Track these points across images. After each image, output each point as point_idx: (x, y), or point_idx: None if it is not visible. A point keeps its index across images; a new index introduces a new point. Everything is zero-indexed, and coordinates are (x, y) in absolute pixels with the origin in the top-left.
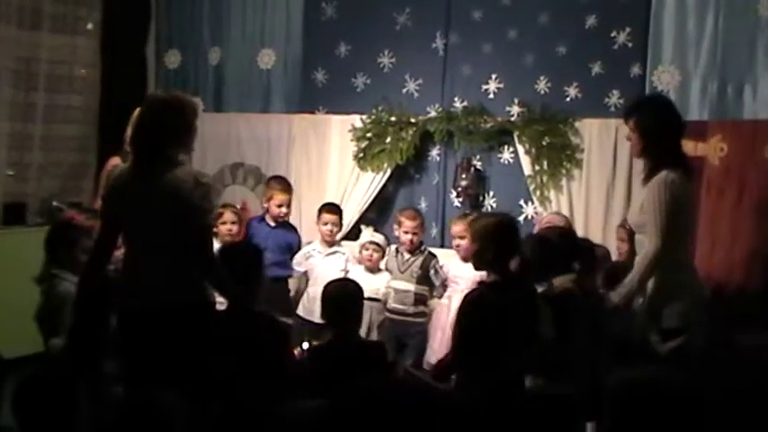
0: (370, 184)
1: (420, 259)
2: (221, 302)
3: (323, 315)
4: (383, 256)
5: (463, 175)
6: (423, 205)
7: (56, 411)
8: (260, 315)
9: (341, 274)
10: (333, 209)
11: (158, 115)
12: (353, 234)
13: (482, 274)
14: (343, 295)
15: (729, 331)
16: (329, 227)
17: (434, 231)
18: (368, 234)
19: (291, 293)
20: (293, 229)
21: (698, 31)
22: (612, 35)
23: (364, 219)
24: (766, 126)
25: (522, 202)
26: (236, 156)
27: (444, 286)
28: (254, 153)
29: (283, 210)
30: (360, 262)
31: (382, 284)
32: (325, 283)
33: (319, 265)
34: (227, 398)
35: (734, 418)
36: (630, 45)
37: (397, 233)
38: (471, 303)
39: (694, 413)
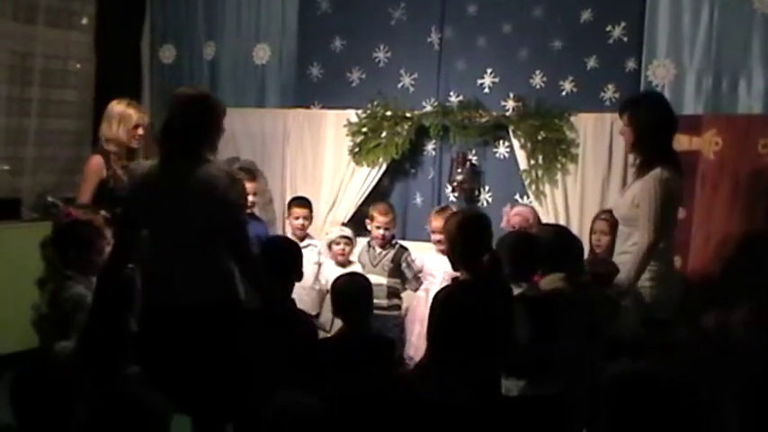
0: (366, 179)
1: (391, 253)
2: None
3: (333, 309)
4: (353, 249)
5: (458, 170)
6: (418, 200)
7: (53, 408)
8: (294, 311)
9: (314, 267)
10: (302, 202)
11: (192, 112)
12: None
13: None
14: (351, 289)
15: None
16: (300, 221)
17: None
18: (336, 230)
19: None
20: (261, 221)
21: (693, 26)
22: (608, 29)
23: (360, 213)
24: (761, 120)
25: (517, 197)
26: (232, 150)
27: (418, 279)
28: (249, 148)
29: (249, 199)
30: (331, 257)
31: None
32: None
33: None
34: (256, 398)
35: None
36: (626, 39)
37: (369, 227)
38: (441, 302)
39: (687, 404)
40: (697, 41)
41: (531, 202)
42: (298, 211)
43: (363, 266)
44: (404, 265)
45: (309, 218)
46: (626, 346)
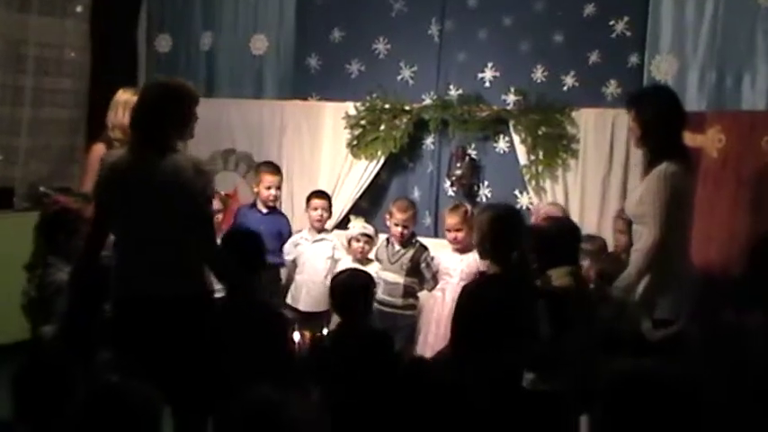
0: (364, 173)
1: (411, 252)
2: (218, 290)
3: (331, 304)
4: (372, 248)
5: (458, 164)
6: (416, 194)
7: (52, 396)
8: (262, 304)
9: (327, 262)
10: (322, 194)
11: (159, 102)
12: (345, 223)
13: (478, 266)
14: (351, 285)
15: (724, 319)
16: (319, 212)
17: (428, 221)
18: (358, 226)
19: (282, 283)
20: (284, 216)
21: (696, 20)
22: (611, 23)
23: (357, 207)
24: (765, 117)
25: (517, 192)
26: (228, 142)
27: (435, 279)
28: (246, 139)
29: (272, 192)
30: (350, 254)
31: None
32: (311, 270)
33: (306, 252)
34: (227, 390)
35: (729, 407)
36: (629, 34)
37: (388, 223)
38: (469, 295)
39: (689, 404)
40: (701, 36)
41: (530, 198)
42: (317, 202)
43: (381, 263)
44: (423, 265)
45: (329, 210)
46: (628, 345)
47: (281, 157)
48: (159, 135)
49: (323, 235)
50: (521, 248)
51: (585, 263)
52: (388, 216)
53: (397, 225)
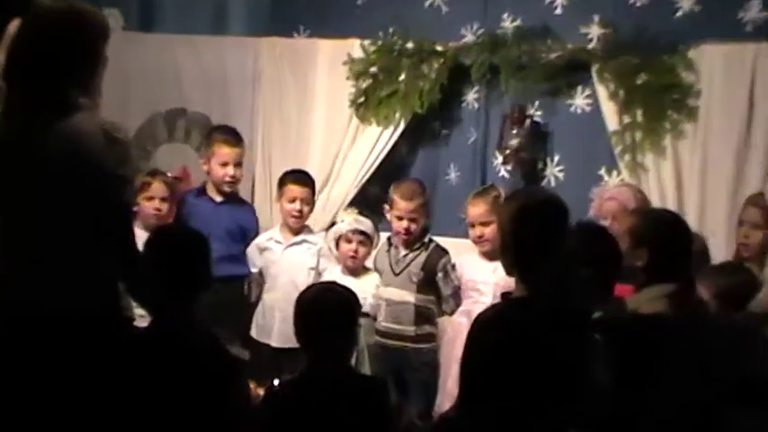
0: (375, 144)
1: (422, 256)
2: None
3: (296, 335)
4: (370, 252)
5: (514, 131)
6: (453, 175)
7: None
8: (201, 339)
9: (310, 274)
10: (302, 178)
11: (46, 37)
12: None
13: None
14: (323, 305)
15: None
16: (297, 204)
17: None
18: (349, 219)
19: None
20: (247, 205)
21: None
22: None
23: (365, 195)
24: None
25: (602, 172)
26: (175, 99)
27: (458, 297)
28: (202, 95)
29: (230, 171)
30: (338, 260)
31: (369, 292)
32: (286, 287)
33: (279, 262)
34: None
35: None
36: None
37: (388, 216)
38: (483, 327)
39: None
40: None
41: (622, 179)
42: (295, 189)
43: (382, 274)
44: (440, 275)
45: (311, 202)
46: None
47: (255, 120)
48: (48, 86)
49: (303, 236)
50: (562, 258)
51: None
52: (387, 207)
53: (400, 218)
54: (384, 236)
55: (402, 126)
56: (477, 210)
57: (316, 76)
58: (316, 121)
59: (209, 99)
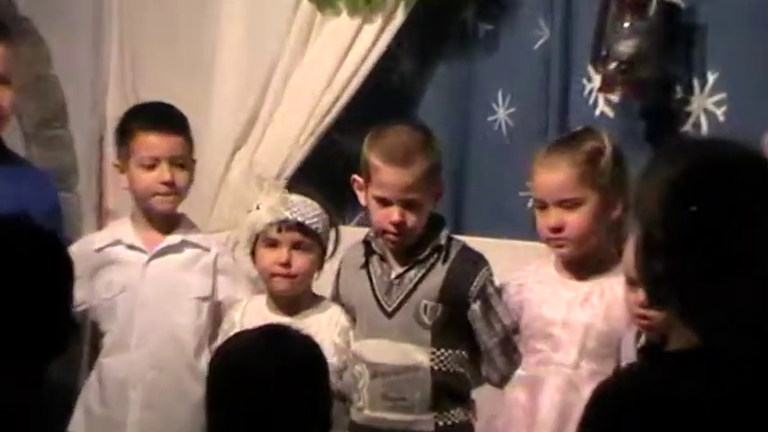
0: (346, 54)
1: (438, 273)
2: None
3: (208, 415)
4: (320, 265)
5: (625, 25)
6: (501, 113)
7: None
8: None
9: (201, 312)
10: (164, 119)
11: None
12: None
13: (637, 317)
14: (265, 375)
15: None
16: (162, 171)
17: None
18: (273, 202)
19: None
20: (29, 168)
21: None
22: None
23: (327, 159)
24: None
25: None
26: None
27: (512, 348)
28: None
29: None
30: (255, 282)
31: (325, 343)
32: (151, 336)
33: (134, 288)
34: None
35: None
36: None
37: (361, 198)
38: (611, 408)
39: None
40: None
41: None
42: (153, 140)
43: (356, 312)
44: (475, 306)
45: (189, 164)
46: None
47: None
48: None
49: (182, 236)
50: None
51: None
52: (357, 179)
53: (384, 202)
54: (354, 235)
55: (400, 17)
56: (553, 177)
57: None
58: (223, 16)
59: None
